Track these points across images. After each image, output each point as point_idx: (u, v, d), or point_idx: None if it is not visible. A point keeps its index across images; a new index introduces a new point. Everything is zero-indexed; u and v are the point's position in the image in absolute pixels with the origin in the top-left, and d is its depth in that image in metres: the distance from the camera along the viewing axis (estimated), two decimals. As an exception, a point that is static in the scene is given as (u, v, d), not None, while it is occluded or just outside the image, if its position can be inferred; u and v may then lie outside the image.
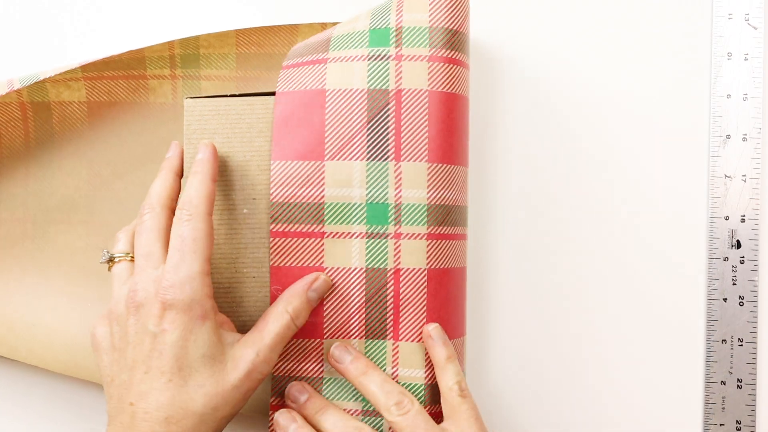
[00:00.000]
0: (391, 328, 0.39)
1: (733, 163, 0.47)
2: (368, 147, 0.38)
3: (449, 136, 0.39)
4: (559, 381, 0.48)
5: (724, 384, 0.47)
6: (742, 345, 0.47)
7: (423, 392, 0.38)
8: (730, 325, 0.47)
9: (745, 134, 0.47)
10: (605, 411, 0.47)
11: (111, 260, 0.39)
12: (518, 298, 0.48)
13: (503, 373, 0.47)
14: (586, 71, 0.48)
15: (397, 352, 0.39)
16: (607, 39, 0.48)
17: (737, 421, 0.46)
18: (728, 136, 0.47)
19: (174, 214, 0.38)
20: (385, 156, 0.38)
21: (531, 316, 0.48)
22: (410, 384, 0.39)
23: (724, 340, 0.47)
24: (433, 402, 0.39)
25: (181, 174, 0.40)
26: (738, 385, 0.47)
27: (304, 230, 0.39)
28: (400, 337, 0.39)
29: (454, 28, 0.40)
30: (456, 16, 0.40)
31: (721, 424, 0.47)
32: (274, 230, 0.39)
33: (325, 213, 0.39)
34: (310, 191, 0.39)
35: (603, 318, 0.48)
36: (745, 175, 0.47)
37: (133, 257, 0.39)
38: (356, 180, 0.38)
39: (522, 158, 0.48)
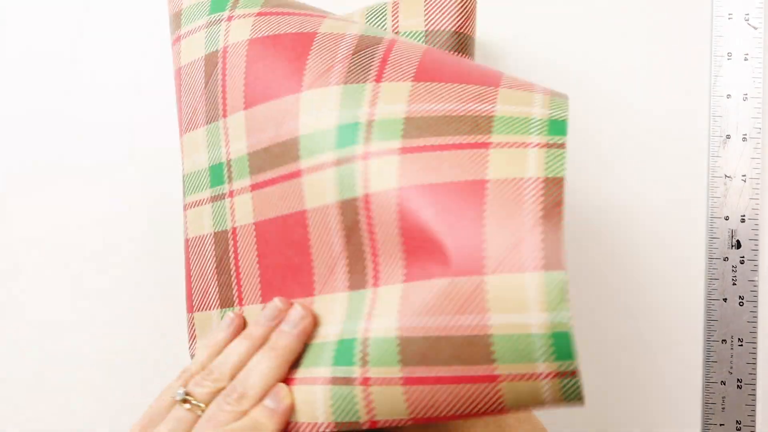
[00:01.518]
0: (372, 272, 0.31)
1: (733, 163, 0.47)
2: (347, 72, 0.33)
3: (443, 64, 0.32)
4: (559, 381, 0.48)
5: (724, 384, 0.47)
6: (742, 345, 0.47)
7: (394, 347, 0.29)
8: (730, 325, 0.47)
9: (745, 134, 0.47)
10: (605, 411, 0.47)
11: (189, 401, 0.33)
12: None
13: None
14: (586, 71, 0.48)
15: (375, 300, 0.31)
16: (607, 39, 0.48)
17: (737, 421, 0.46)
18: (728, 136, 0.47)
19: None
20: (364, 78, 0.33)
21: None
22: (380, 338, 0.30)
23: (724, 340, 0.47)
24: (407, 362, 0.29)
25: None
26: (738, 385, 0.47)
27: (283, 173, 0.33)
28: (380, 282, 0.31)
29: (454, 29, 0.39)
30: (457, 17, 0.39)
31: (721, 424, 0.47)
32: (257, 182, 0.35)
33: (300, 150, 0.32)
34: (286, 127, 0.34)
35: (603, 317, 0.48)
36: (745, 175, 0.47)
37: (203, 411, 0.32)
38: (329, 105, 0.32)
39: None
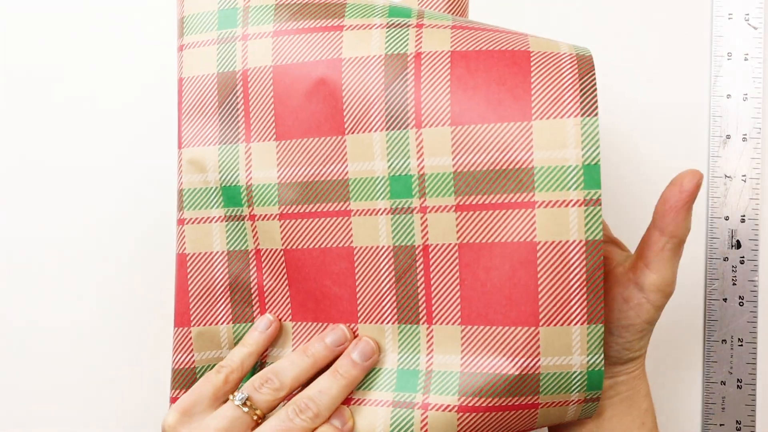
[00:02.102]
0: (424, 312, 0.36)
1: (733, 163, 0.47)
2: (387, 116, 0.35)
3: (475, 92, 0.35)
4: (559, 381, 0.48)
5: (724, 384, 0.47)
6: (742, 345, 0.47)
7: (456, 381, 0.35)
8: (730, 325, 0.47)
9: (745, 134, 0.47)
10: (605, 411, 0.47)
11: (247, 405, 0.35)
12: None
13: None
14: (586, 71, 0.48)
15: (432, 337, 0.36)
16: (608, 39, 0.48)
17: (737, 421, 0.46)
18: (728, 136, 0.47)
19: None
20: (405, 124, 0.35)
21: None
22: (443, 372, 0.35)
23: (724, 340, 0.47)
24: (464, 393, 0.35)
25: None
26: (738, 385, 0.47)
27: (327, 209, 0.36)
28: (433, 321, 0.35)
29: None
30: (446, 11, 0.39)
31: (721, 424, 0.47)
32: (288, 212, 0.37)
33: (351, 192, 0.36)
34: (332, 168, 0.36)
35: (603, 318, 0.48)
36: (745, 175, 0.47)
37: (259, 417, 0.35)
38: (377, 152, 0.35)
39: (522, 158, 0.48)
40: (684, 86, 0.48)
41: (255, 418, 0.34)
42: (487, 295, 0.34)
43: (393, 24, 0.36)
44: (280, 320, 0.38)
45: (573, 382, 0.34)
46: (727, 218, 0.47)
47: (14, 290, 0.49)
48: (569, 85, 0.34)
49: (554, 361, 0.33)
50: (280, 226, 0.37)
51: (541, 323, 0.33)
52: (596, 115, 0.33)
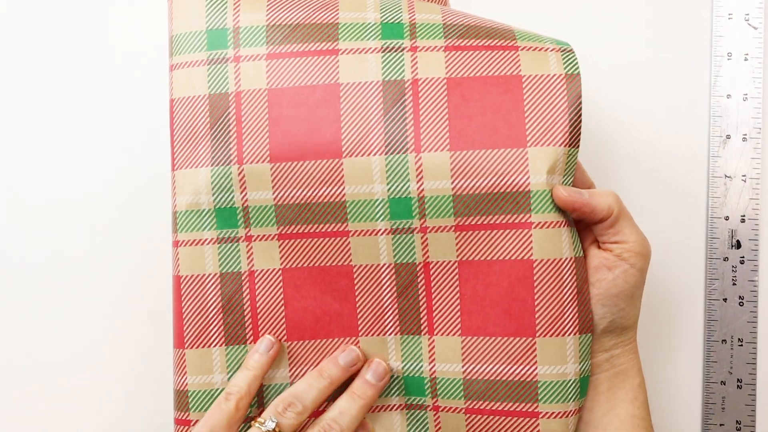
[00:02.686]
0: (426, 323, 0.38)
1: (733, 163, 0.47)
2: (386, 140, 0.37)
3: (471, 120, 0.37)
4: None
5: (724, 384, 0.47)
6: (742, 345, 0.47)
7: (461, 386, 0.38)
8: (730, 325, 0.47)
9: (745, 134, 0.47)
10: (605, 411, 0.47)
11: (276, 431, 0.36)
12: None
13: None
14: (586, 71, 0.48)
15: (433, 347, 0.38)
16: (607, 39, 0.48)
17: (737, 421, 0.46)
18: (728, 136, 0.47)
19: None
20: (404, 149, 0.37)
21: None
22: (447, 379, 0.38)
23: (724, 340, 0.47)
24: (470, 397, 0.38)
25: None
26: (738, 385, 0.47)
27: (325, 230, 0.38)
28: (435, 332, 0.38)
29: (468, 23, 0.39)
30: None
31: (721, 424, 0.47)
32: (287, 233, 0.38)
33: (348, 214, 0.38)
34: (328, 190, 0.38)
35: (603, 318, 0.48)
36: (745, 175, 0.47)
37: None
38: (376, 176, 0.37)
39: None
40: (684, 86, 0.48)
41: None
42: (486, 308, 0.37)
43: (388, 48, 0.38)
44: (279, 341, 0.38)
45: (570, 391, 0.36)
46: (727, 218, 0.47)
47: (12, 291, 0.49)
48: (560, 114, 0.36)
49: (551, 370, 0.36)
50: (280, 246, 0.38)
51: (537, 334, 0.36)
52: (578, 146, 0.37)
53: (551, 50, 0.38)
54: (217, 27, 0.39)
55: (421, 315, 0.38)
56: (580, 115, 0.36)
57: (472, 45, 0.38)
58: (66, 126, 0.50)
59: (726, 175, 0.47)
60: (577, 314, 0.36)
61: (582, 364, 0.36)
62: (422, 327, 0.38)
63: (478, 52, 0.38)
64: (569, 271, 0.36)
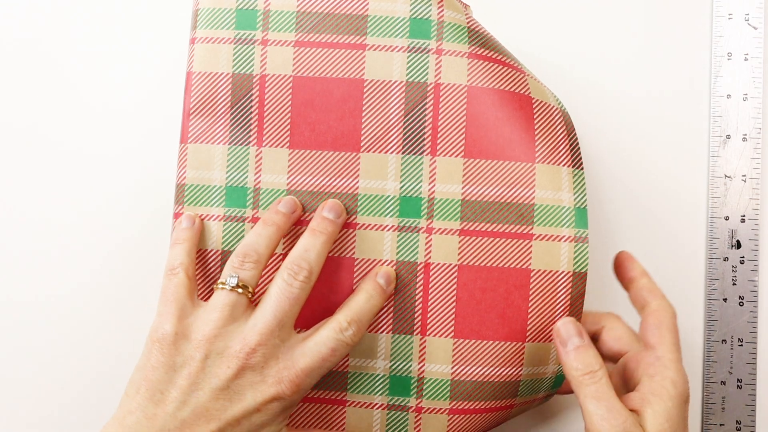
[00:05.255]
0: (419, 323, 0.38)
1: (733, 163, 0.47)
2: (404, 140, 0.38)
3: (486, 130, 0.38)
4: (559, 381, 0.48)
5: (724, 384, 0.47)
6: (742, 345, 0.47)
7: (447, 388, 0.38)
8: (730, 325, 0.47)
9: (745, 134, 0.47)
10: (605, 411, 0.47)
11: (240, 287, 0.35)
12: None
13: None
14: (586, 71, 0.48)
15: (424, 347, 0.38)
16: (607, 39, 0.48)
17: (737, 421, 0.46)
18: (728, 136, 0.47)
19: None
20: (420, 150, 0.38)
21: (531, 316, 0.48)
22: (435, 380, 0.38)
23: (724, 340, 0.47)
24: (455, 398, 0.38)
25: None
26: (738, 385, 0.47)
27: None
28: (427, 333, 0.38)
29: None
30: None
31: (721, 424, 0.47)
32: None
33: (359, 206, 0.38)
34: (342, 181, 0.38)
35: (603, 318, 0.48)
36: (745, 175, 0.47)
37: (252, 293, 0.36)
38: (390, 173, 0.38)
39: (522, 158, 0.48)
40: (684, 86, 0.48)
41: (250, 296, 0.35)
42: (481, 312, 0.38)
43: (414, 48, 0.39)
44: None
45: (544, 385, 0.39)
46: (727, 218, 0.47)
47: (11, 286, 0.50)
48: (562, 137, 0.39)
49: (533, 370, 0.38)
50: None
51: (527, 339, 0.38)
52: (582, 167, 0.38)
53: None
54: (248, 7, 0.39)
55: (416, 315, 0.38)
56: (577, 140, 0.39)
57: (492, 57, 0.39)
58: (66, 125, 0.50)
59: (726, 175, 0.47)
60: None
61: (560, 366, 0.39)
62: (415, 327, 0.38)
63: (496, 65, 0.39)
64: (565, 284, 0.37)
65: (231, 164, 0.39)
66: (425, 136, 0.38)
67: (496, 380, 0.38)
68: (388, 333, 0.39)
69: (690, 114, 0.48)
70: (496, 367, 0.38)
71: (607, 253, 0.48)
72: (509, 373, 0.38)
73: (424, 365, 0.38)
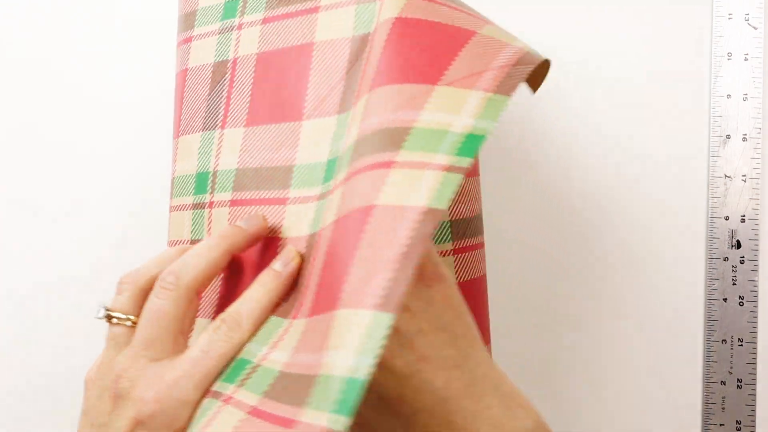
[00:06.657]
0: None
1: (733, 163, 0.47)
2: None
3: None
4: (559, 380, 0.48)
5: (724, 384, 0.47)
6: (742, 345, 0.47)
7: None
8: (730, 325, 0.47)
9: (745, 134, 0.47)
10: (606, 411, 0.47)
11: (109, 318, 0.33)
12: (517, 297, 0.48)
13: (503, 373, 0.47)
14: (585, 71, 0.48)
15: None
16: (607, 39, 0.48)
17: (737, 421, 0.46)
18: (728, 136, 0.47)
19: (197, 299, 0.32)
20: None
21: (530, 314, 0.48)
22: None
23: (724, 340, 0.47)
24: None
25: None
26: (738, 385, 0.47)
27: (269, 197, 0.34)
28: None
29: None
30: None
31: (721, 424, 0.47)
32: (237, 199, 0.36)
33: (293, 177, 0.34)
34: (282, 154, 0.35)
35: (602, 318, 0.48)
36: (745, 175, 0.47)
37: (134, 323, 0.32)
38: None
39: (520, 157, 0.48)
40: (684, 86, 0.48)
41: (128, 324, 0.32)
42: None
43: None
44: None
45: (338, 390, 0.26)
46: (727, 218, 0.47)
47: (12, 290, 0.50)
48: (497, 66, 0.29)
49: (336, 360, 0.25)
50: (228, 214, 0.35)
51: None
52: (510, 96, 0.28)
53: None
54: None
55: (298, 294, 0.31)
56: (523, 77, 0.29)
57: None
58: (64, 125, 0.50)
59: (726, 175, 0.47)
60: (387, 282, 0.25)
61: (360, 357, 0.24)
62: (291, 309, 0.31)
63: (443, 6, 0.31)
64: (409, 222, 0.26)
65: (201, 151, 0.38)
66: (354, 86, 0.32)
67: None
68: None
69: (690, 114, 0.48)
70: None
71: (607, 252, 0.48)
72: (312, 360, 0.27)
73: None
